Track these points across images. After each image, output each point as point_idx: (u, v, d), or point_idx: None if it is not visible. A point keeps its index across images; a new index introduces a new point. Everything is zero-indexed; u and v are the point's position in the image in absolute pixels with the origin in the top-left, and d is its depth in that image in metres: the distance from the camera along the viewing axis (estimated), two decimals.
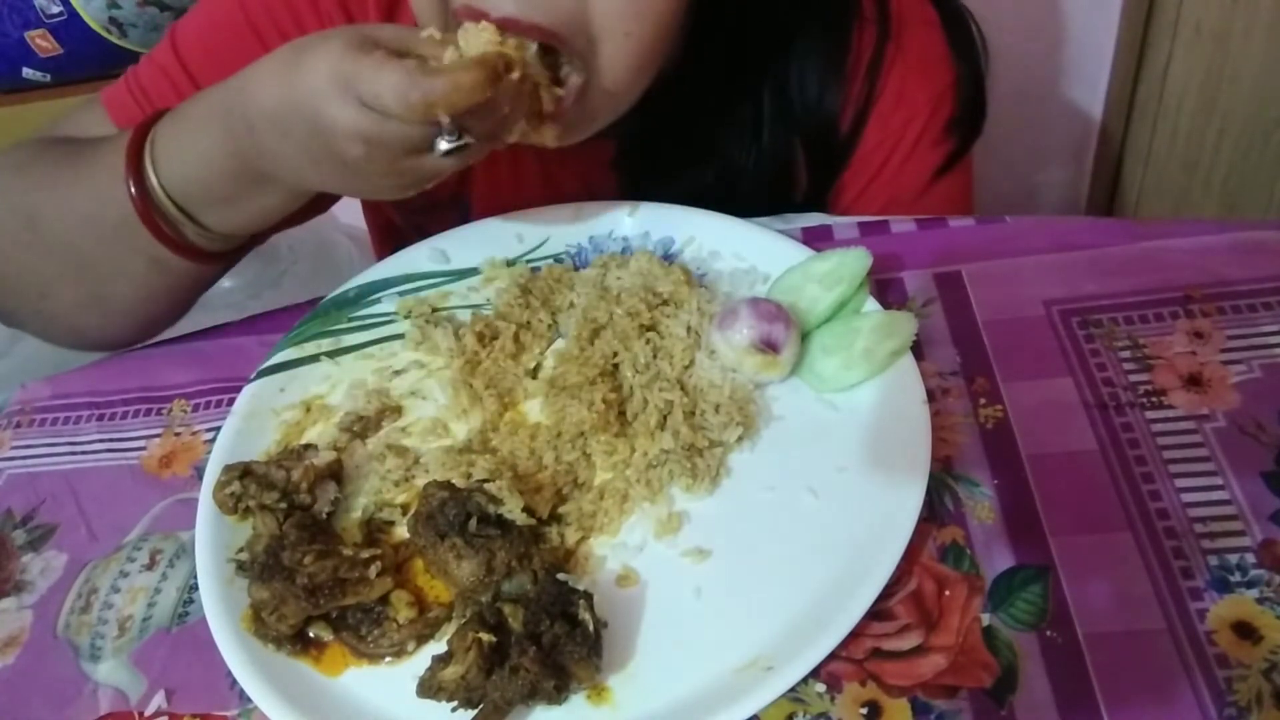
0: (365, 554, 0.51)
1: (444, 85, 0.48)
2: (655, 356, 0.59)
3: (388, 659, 0.49)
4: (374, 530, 0.55)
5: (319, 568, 0.49)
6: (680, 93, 0.64)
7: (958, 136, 0.71)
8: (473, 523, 0.50)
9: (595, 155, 0.71)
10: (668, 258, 0.65)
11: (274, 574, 0.49)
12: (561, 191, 0.74)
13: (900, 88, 0.69)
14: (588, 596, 0.47)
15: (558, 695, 0.45)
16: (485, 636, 0.45)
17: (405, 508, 0.55)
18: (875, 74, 0.68)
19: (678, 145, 0.70)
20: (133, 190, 0.58)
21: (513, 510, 0.51)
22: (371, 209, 0.89)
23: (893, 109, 0.69)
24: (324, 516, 0.54)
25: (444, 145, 0.51)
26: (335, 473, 0.56)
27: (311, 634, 0.50)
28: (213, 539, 0.54)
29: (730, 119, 0.69)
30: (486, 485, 0.52)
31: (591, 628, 0.46)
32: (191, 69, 0.68)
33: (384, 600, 0.50)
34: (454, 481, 0.53)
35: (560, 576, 0.48)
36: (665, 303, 0.61)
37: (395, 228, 0.86)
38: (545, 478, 0.54)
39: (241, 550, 0.53)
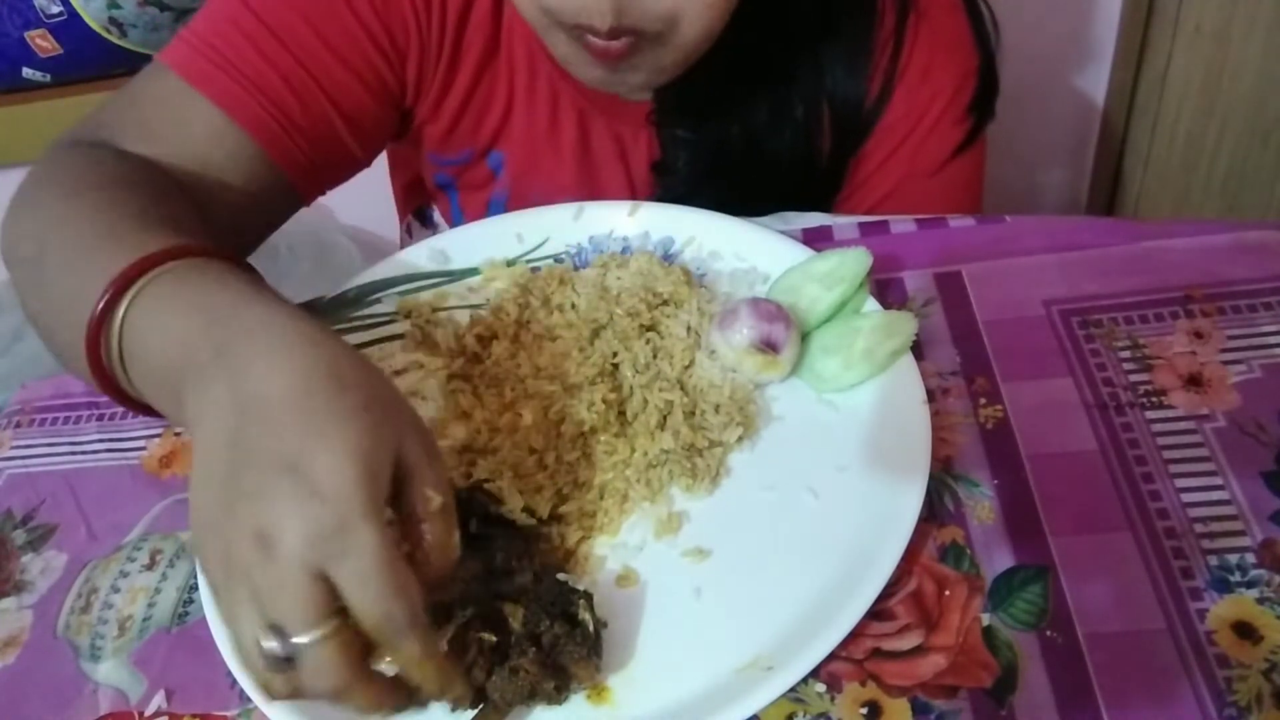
0: None
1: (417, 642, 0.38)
2: (655, 356, 0.59)
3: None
4: None
5: None
6: (720, 53, 0.65)
7: (975, 117, 0.73)
8: (473, 523, 0.50)
9: (631, 111, 0.73)
10: (668, 258, 0.65)
11: None
12: (591, 143, 0.76)
13: (928, 64, 0.71)
14: (588, 596, 0.47)
15: (558, 695, 0.45)
16: (485, 636, 0.45)
17: None
18: (900, 44, 0.70)
19: (710, 101, 0.71)
20: (98, 308, 0.47)
21: (513, 510, 0.51)
22: (399, 163, 0.89)
23: (920, 84, 0.71)
24: None
25: (274, 646, 0.37)
26: None
27: None
28: None
29: (760, 78, 0.70)
30: (486, 485, 0.52)
31: (591, 628, 0.46)
32: (264, 15, 0.63)
33: None
34: (454, 481, 0.53)
35: (560, 576, 0.48)
36: (665, 303, 0.61)
37: (420, 185, 0.86)
38: (545, 478, 0.54)
39: None
